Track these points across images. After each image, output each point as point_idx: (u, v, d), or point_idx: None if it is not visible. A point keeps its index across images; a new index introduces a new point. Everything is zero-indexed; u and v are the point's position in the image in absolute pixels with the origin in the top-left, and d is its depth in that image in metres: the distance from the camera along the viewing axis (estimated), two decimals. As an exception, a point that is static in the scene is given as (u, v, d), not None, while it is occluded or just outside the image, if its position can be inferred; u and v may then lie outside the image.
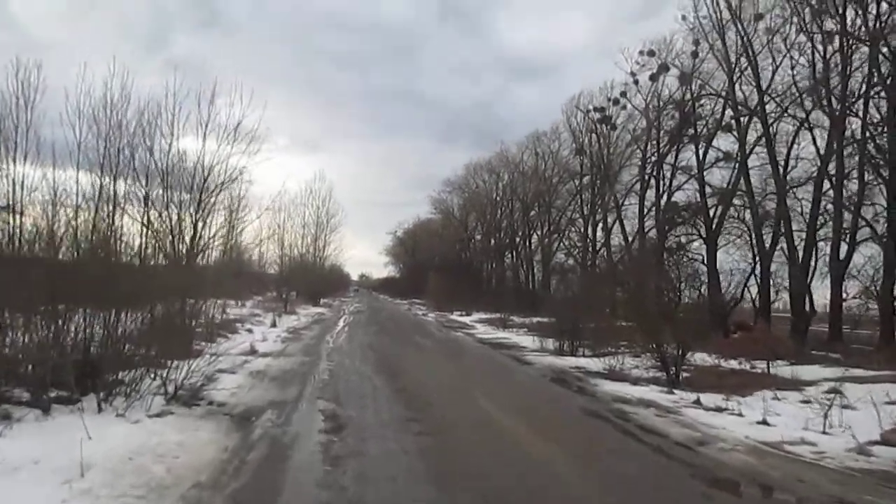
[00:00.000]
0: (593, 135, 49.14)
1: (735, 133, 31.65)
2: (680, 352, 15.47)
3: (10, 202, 12.20)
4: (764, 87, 28.81)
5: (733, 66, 30.28)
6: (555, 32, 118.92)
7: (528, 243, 60.11)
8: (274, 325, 24.23)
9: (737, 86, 30.79)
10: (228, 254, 50.00)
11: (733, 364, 17.65)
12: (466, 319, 39.78)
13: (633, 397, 12.20)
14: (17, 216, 11.76)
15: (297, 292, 47.64)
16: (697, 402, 11.70)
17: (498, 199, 66.90)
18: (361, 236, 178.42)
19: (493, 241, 69.96)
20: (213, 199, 18.43)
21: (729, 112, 32.59)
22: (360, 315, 39.58)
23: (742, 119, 31.22)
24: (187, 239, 18.04)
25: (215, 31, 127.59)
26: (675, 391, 13.22)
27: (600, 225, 49.72)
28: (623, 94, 45.97)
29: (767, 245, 29.54)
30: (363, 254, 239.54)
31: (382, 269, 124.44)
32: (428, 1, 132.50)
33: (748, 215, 31.02)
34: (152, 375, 9.42)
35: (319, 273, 51.16)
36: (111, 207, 14.44)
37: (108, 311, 9.30)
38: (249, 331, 21.18)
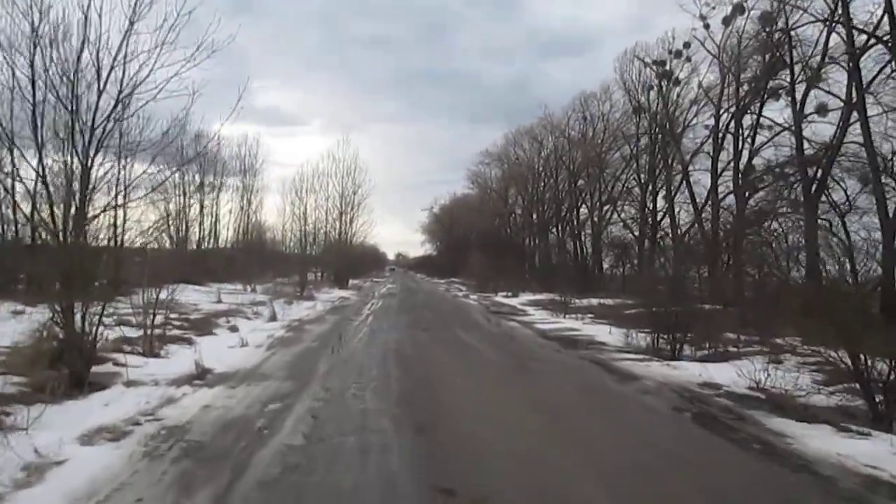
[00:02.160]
0: (651, 92, 42.60)
1: (847, 64, 24.71)
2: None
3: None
4: None
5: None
6: (589, 9, 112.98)
7: (576, 216, 53.54)
8: (273, 317, 18.40)
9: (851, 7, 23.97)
10: (248, 234, 44.93)
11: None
12: (515, 302, 33.65)
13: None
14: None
15: (322, 274, 42.10)
16: None
17: (541, 169, 60.44)
18: (397, 217, 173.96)
19: (535, 215, 63.50)
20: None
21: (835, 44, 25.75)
22: (392, 300, 33.66)
23: (856, 52, 24.39)
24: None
25: (246, 18, 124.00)
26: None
27: (661, 193, 43.21)
28: (686, 44, 39.26)
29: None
30: (399, 234, 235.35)
31: (419, 247, 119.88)
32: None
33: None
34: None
35: (346, 251, 45.13)
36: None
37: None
38: (234, 328, 15.40)
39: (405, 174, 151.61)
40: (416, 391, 9.45)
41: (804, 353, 12.70)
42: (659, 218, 42.77)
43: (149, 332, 11.33)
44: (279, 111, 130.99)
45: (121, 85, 9.05)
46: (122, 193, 9.56)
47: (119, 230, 10.78)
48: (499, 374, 11.17)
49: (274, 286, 28.60)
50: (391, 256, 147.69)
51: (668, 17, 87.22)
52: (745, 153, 33.22)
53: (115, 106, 9.01)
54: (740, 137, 33.97)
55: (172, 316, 14.70)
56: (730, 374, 11.42)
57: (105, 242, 10.22)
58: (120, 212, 9.74)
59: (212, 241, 38.56)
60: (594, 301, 30.93)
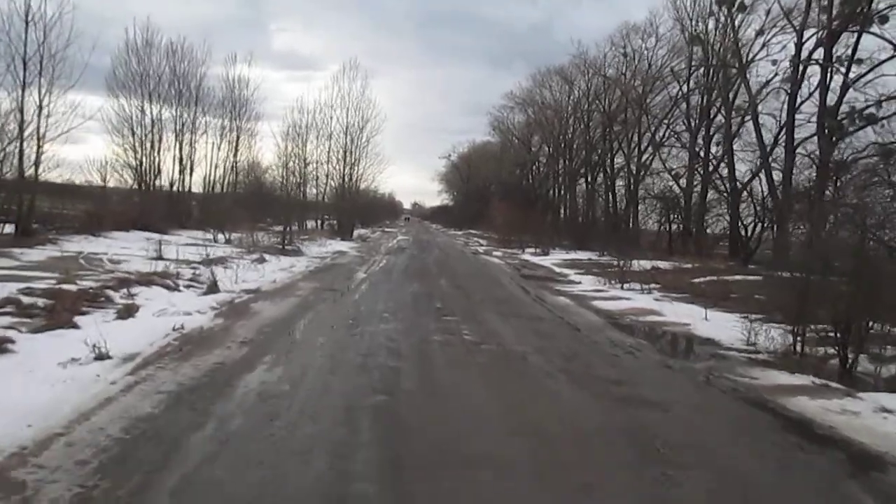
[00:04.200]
0: (710, 21, 35.32)
1: None
2: None
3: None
4: None
5: None
6: None
7: (610, 164, 46.56)
8: (213, 287, 11.91)
9: None
10: (236, 174, 38.43)
11: None
12: (548, 262, 27.33)
13: None
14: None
15: (322, 222, 35.92)
16: None
17: (570, 111, 53.31)
18: (414, 165, 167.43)
19: (563, 163, 56.56)
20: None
21: None
22: (399, 258, 26.57)
23: None
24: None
25: None
26: None
27: (715, 137, 36.28)
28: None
29: None
30: (416, 182, 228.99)
31: (435, 197, 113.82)
32: None
33: None
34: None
35: (352, 197, 38.30)
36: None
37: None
38: (124, 312, 9.02)
39: (422, 119, 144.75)
40: None
41: None
42: (713, 166, 36.00)
43: None
44: (296, 55, 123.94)
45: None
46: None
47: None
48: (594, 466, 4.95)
49: (248, 236, 22.28)
50: (407, 206, 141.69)
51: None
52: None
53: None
54: (829, 71, 27.08)
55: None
56: None
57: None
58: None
59: (191, 183, 32.35)
60: (644, 263, 24.66)
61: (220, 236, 23.98)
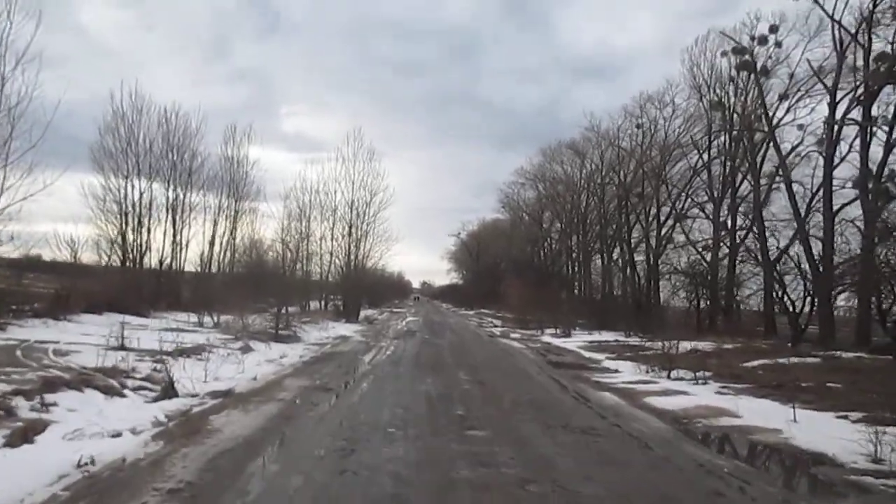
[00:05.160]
0: (730, 86, 33.48)
1: None
2: None
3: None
4: None
5: None
6: (620, 33, 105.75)
7: (627, 239, 43.94)
8: (168, 390, 9.17)
9: None
10: (242, 252, 36.12)
11: None
12: (572, 345, 24.41)
13: None
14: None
15: (325, 303, 33.36)
16: None
17: (583, 185, 51.33)
18: (422, 244, 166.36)
19: (576, 238, 54.14)
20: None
21: None
22: (409, 343, 23.59)
23: None
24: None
25: (276, 38, 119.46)
26: None
27: (741, 207, 33.84)
28: (774, 27, 30.58)
29: None
30: (425, 262, 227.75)
31: (444, 276, 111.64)
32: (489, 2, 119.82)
33: None
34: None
35: (358, 276, 35.42)
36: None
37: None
38: (15, 437, 6.36)
39: (431, 200, 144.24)
40: None
41: None
42: (740, 237, 33.43)
43: None
44: (306, 136, 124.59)
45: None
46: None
47: None
48: None
49: (237, 319, 19.51)
50: (416, 285, 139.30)
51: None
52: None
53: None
54: (869, 128, 24.89)
55: None
56: None
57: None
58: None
59: (184, 261, 29.93)
60: (683, 345, 21.88)
61: (208, 319, 21.32)
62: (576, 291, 53.85)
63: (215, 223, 31.66)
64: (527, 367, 17.01)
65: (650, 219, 41.31)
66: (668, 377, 14.95)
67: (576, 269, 55.93)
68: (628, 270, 43.58)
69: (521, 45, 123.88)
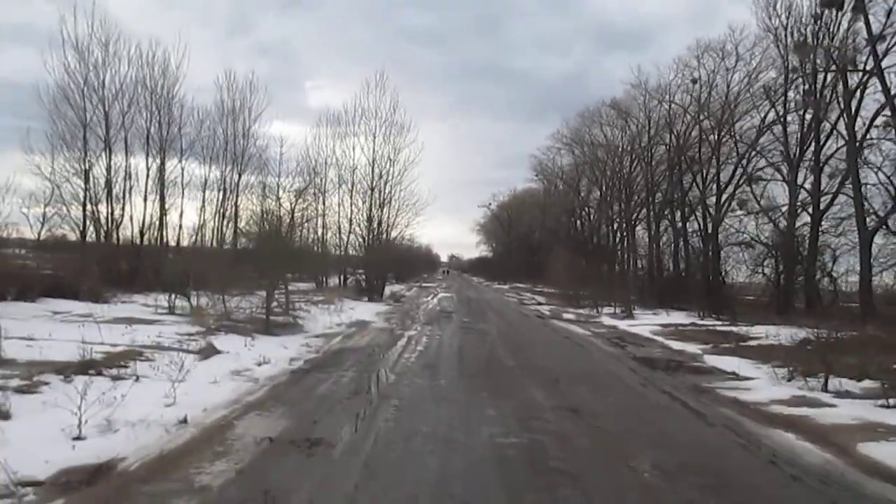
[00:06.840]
0: (808, 28, 28.03)
1: None
2: None
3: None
4: None
5: None
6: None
7: (680, 205, 38.50)
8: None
9: None
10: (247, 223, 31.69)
11: None
12: (644, 330, 19.55)
13: None
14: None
15: (344, 278, 28.95)
16: None
17: (626, 148, 46.08)
18: (450, 216, 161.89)
19: (617, 207, 48.89)
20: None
21: None
22: (446, 329, 18.51)
23: None
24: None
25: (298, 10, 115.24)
26: None
27: (825, 168, 28.50)
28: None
29: None
30: (451, 234, 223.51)
31: (473, 249, 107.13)
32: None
33: None
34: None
35: (381, 248, 30.35)
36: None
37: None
38: None
39: (456, 173, 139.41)
40: None
41: None
42: (824, 203, 28.16)
43: None
44: (330, 110, 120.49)
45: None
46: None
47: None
48: None
49: (216, 302, 14.85)
50: (444, 258, 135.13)
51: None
52: None
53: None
54: None
55: None
56: None
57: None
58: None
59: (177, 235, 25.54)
60: (771, 329, 17.26)
61: (184, 303, 16.83)
62: (628, 265, 48.69)
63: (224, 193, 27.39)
64: (618, 372, 11.93)
65: (707, 182, 36.04)
66: (824, 389, 10.18)
67: (618, 239, 50.78)
68: (698, 241, 38.04)
69: (546, 16, 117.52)
